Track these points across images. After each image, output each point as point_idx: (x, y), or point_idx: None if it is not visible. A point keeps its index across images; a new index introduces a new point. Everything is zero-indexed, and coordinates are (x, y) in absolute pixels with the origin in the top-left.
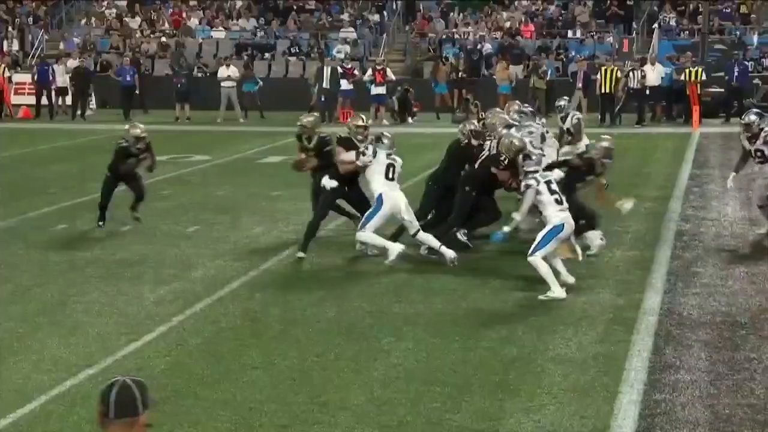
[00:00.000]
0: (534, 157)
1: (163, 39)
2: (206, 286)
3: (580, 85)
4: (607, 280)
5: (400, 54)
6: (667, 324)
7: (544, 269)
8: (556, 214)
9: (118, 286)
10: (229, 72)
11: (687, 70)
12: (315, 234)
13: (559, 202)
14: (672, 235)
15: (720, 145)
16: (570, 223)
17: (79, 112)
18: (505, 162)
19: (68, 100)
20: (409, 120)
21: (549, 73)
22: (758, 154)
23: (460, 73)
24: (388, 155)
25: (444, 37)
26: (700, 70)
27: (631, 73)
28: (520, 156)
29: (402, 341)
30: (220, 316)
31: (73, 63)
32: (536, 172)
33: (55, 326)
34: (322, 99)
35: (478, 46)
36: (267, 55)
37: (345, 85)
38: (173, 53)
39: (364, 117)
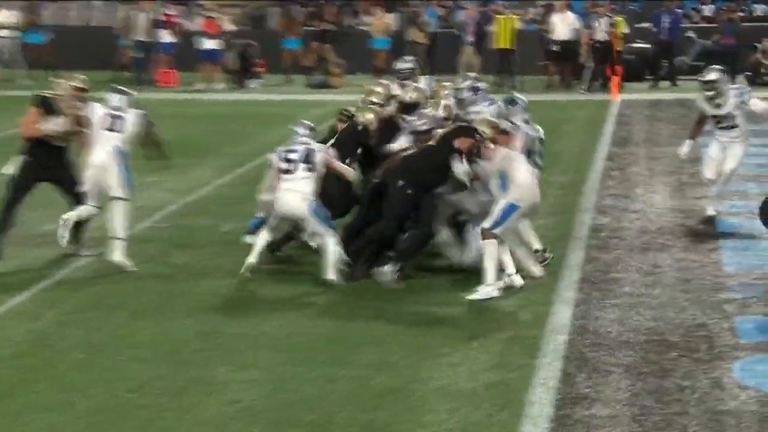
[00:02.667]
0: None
1: None
2: None
3: (470, 38)
4: (505, 290)
5: None
6: (580, 344)
7: (491, 254)
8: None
9: None
10: (2, 18)
11: (601, 21)
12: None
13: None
14: (586, 232)
15: (646, 116)
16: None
17: None
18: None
19: None
20: (250, 84)
21: (431, 23)
22: (726, 120)
23: (321, 24)
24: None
25: None
26: (620, 20)
27: (597, 23)
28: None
29: (243, 370)
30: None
31: None
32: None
33: None
34: (137, 55)
35: None
36: None
37: (165, 37)
38: None
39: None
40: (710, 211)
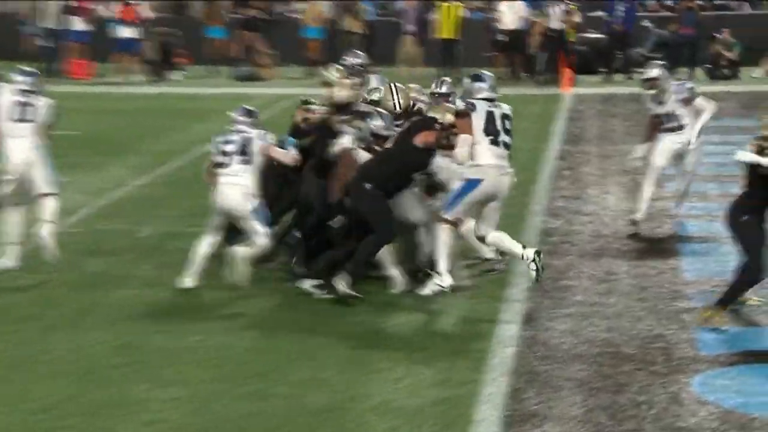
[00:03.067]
0: None
1: None
2: None
3: (410, 27)
4: (450, 299)
5: None
6: (529, 358)
7: (443, 241)
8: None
9: None
10: None
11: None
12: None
13: None
14: (536, 236)
15: (599, 111)
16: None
17: None
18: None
19: None
20: (172, 76)
21: (368, 11)
22: (670, 120)
23: (248, 11)
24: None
25: None
26: (574, 7)
27: (552, 10)
28: None
29: (164, 388)
30: None
31: None
32: None
33: None
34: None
35: None
36: None
37: (77, 24)
38: None
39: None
40: (638, 215)
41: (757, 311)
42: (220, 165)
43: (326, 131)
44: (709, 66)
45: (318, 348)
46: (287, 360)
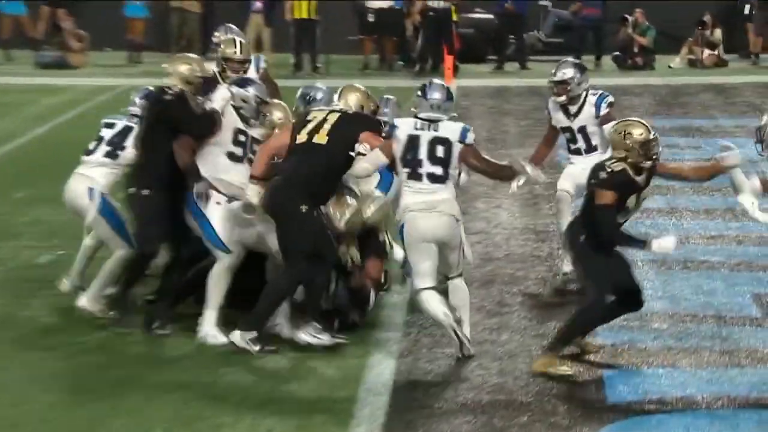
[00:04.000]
0: None
1: None
2: None
3: (257, 5)
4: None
5: None
6: (405, 408)
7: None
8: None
9: None
10: None
11: None
12: None
13: None
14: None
15: (489, 108)
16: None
17: None
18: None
19: None
20: None
21: None
22: (577, 140)
23: None
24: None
25: None
26: None
27: None
28: None
29: None
30: None
31: None
32: None
33: None
34: None
35: None
36: None
37: None
38: None
39: None
40: (566, 267)
41: (673, 348)
42: (86, 152)
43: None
44: (618, 54)
45: (141, 401)
46: (100, 416)
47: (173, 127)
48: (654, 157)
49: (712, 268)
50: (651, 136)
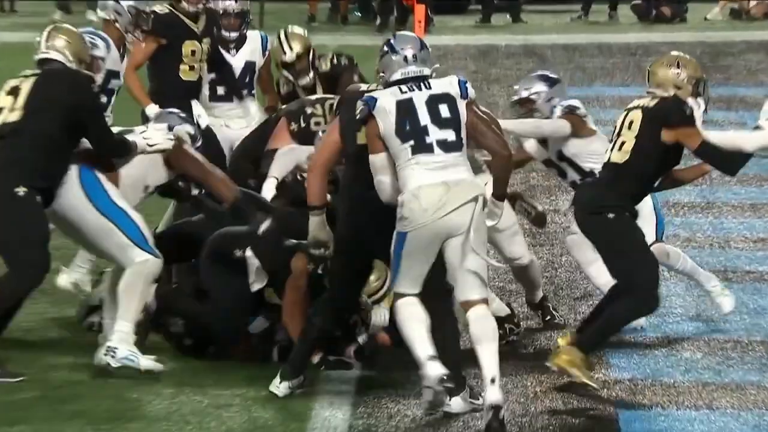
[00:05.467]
0: None
1: None
2: None
3: None
4: (245, 372)
5: None
6: None
7: None
8: None
9: None
10: None
11: None
12: None
13: None
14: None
15: (471, 73)
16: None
17: None
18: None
19: None
20: None
21: None
22: (564, 165)
23: None
24: None
25: None
26: None
27: None
28: None
29: None
30: None
31: None
32: None
33: None
34: None
35: None
36: None
37: None
38: None
39: None
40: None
41: (710, 384)
42: None
43: None
44: (640, 2)
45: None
46: None
47: None
48: (707, 101)
49: (761, 279)
50: (705, 76)
